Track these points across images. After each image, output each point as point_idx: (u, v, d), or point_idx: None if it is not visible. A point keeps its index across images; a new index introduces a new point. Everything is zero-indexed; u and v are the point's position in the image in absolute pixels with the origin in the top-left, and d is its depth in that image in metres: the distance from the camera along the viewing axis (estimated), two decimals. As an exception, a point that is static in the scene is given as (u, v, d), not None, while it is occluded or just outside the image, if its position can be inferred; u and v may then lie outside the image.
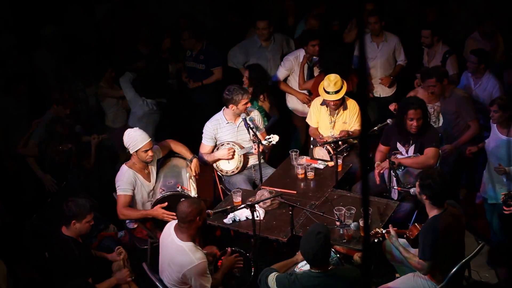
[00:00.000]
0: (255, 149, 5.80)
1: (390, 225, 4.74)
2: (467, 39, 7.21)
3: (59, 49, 7.30)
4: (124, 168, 5.45)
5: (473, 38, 7.15)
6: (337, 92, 5.95)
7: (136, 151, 5.35)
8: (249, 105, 5.96)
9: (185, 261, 4.40)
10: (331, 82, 5.94)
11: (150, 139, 5.40)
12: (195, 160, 5.71)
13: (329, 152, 6.00)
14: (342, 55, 6.74)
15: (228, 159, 6.01)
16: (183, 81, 7.63)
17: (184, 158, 5.82)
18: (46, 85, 7.19)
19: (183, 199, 4.74)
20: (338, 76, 5.99)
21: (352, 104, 6.19)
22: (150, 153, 5.38)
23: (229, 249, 4.83)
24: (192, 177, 5.66)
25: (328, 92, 5.98)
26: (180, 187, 5.36)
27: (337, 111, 6.16)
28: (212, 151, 6.10)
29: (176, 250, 4.47)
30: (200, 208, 4.51)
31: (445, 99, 6.20)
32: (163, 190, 5.39)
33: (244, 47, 7.53)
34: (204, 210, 4.58)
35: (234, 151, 5.99)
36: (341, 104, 6.13)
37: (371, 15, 7.06)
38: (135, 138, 5.34)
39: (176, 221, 4.60)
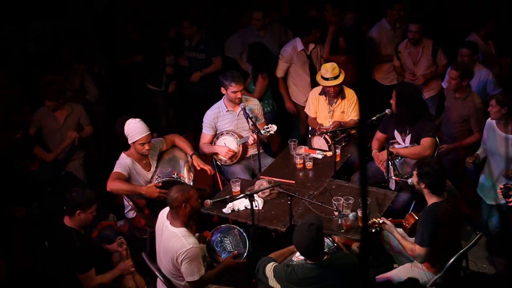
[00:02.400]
0: (253, 139, 5.81)
1: (382, 217, 4.76)
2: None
3: (47, 43, 7.26)
4: (122, 156, 5.46)
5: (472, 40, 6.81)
6: (335, 77, 5.96)
7: (133, 143, 5.36)
8: (238, 94, 5.90)
9: (177, 245, 4.41)
10: (329, 69, 5.95)
11: (148, 132, 5.37)
12: (194, 157, 5.72)
13: (327, 142, 6.01)
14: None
15: (225, 158, 6.02)
16: (183, 72, 7.62)
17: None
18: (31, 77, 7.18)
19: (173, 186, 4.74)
20: (334, 63, 6.04)
21: (350, 93, 6.20)
22: (146, 146, 5.35)
23: (235, 252, 4.82)
24: (191, 167, 5.68)
25: (326, 79, 5.98)
26: (176, 174, 5.38)
27: (335, 100, 6.17)
28: (212, 140, 6.12)
29: (170, 236, 4.48)
30: (188, 196, 4.49)
31: (456, 100, 6.04)
32: (159, 176, 5.41)
33: (241, 37, 7.56)
34: (193, 198, 4.54)
35: (234, 155, 5.99)
36: (339, 93, 6.13)
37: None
38: (133, 130, 5.34)
39: (168, 209, 4.62)
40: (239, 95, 5.90)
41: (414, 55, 6.93)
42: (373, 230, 4.75)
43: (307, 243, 4.09)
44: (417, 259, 4.58)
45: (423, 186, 4.56)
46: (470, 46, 6.29)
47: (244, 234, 4.92)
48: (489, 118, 5.47)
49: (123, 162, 5.41)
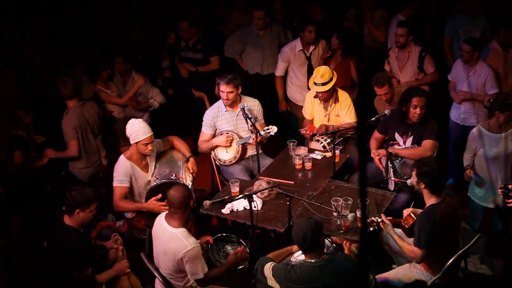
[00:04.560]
0: (253, 139, 5.82)
1: (382, 214, 4.78)
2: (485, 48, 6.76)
3: (45, 39, 7.24)
4: (121, 159, 5.47)
5: (492, 48, 6.70)
6: (325, 83, 5.96)
7: (136, 143, 5.36)
8: (224, 95, 5.91)
9: (179, 246, 4.44)
10: (319, 73, 5.96)
11: (151, 133, 5.41)
12: (191, 160, 5.72)
13: (322, 145, 6.05)
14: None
15: (225, 146, 6.03)
16: (180, 74, 7.63)
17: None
18: (33, 75, 7.15)
19: (172, 186, 4.76)
20: (328, 68, 6.04)
21: (343, 96, 6.20)
22: (149, 147, 5.38)
23: (241, 248, 4.88)
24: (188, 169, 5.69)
25: (316, 84, 6.00)
26: (174, 175, 5.38)
27: (330, 104, 6.18)
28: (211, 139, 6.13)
29: (169, 237, 4.51)
30: (191, 192, 4.65)
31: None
32: (157, 178, 5.42)
33: (241, 37, 7.57)
34: (193, 196, 4.66)
35: (232, 139, 6.00)
36: (330, 97, 6.13)
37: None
38: (137, 130, 5.35)
39: (165, 212, 4.64)
40: (224, 96, 5.93)
41: (401, 60, 6.90)
42: (371, 229, 4.76)
43: (305, 232, 4.10)
44: (414, 259, 4.60)
45: (422, 186, 4.58)
46: (471, 43, 6.28)
47: (244, 243, 4.95)
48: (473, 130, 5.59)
49: (124, 169, 5.41)
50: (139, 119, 5.49)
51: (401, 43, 6.77)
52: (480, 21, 7.05)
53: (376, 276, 4.82)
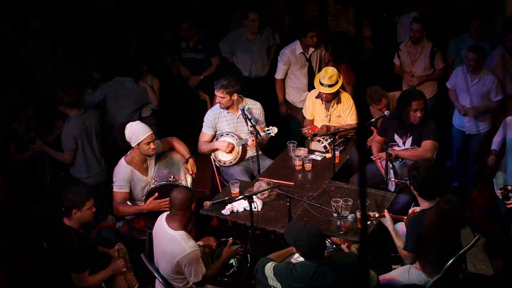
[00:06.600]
0: (253, 140, 5.82)
1: (386, 210, 4.80)
2: (494, 51, 6.70)
3: (46, 42, 7.21)
4: (122, 163, 5.45)
5: (500, 53, 6.65)
6: (331, 86, 5.97)
7: (138, 144, 5.36)
8: (217, 99, 5.95)
9: (177, 250, 4.45)
10: (327, 75, 5.96)
11: (151, 132, 5.41)
12: (191, 160, 5.72)
13: (324, 147, 6.04)
14: (352, 42, 6.82)
15: (225, 152, 6.03)
16: (182, 75, 7.63)
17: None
18: (33, 78, 7.14)
19: (175, 188, 4.77)
20: (335, 70, 6.04)
21: (346, 97, 6.21)
22: (152, 145, 5.38)
23: (230, 240, 4.90)
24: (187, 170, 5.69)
25: (322, 84, 6.00)
26: (172, 177, 5.39)
27: (331, 105, 6.18)
28: (212, 140, 6.13)
29: (168, 239, 4.51)
30: (193, 195, 4.64)
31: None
32: (156, 180, 5.42)
33: (230, 39, 7.54)
34: (195, 197, 4.66)
35: (233, 147, 6.00)
36: (333, 98, 6.15)
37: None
38: (137, 131, 5.35)
39: (166, 212, 4.65)
40: (217, 99, 5.95)
41: (413, 54, 6.98)
42: (368, 222, 4.76)
43: (313, 242, 4.14)
44: (406, 260, 4.67)
45: (412, 188, 4.64)
46: (477, 51, 6.23)
47: (247, 252, 4.96)
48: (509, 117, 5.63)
49: (124, 174, 5.40)
50: (136, 121, 5.49)
51: (416, 38, 6.87)
52: (484, 44, 6.78)
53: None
